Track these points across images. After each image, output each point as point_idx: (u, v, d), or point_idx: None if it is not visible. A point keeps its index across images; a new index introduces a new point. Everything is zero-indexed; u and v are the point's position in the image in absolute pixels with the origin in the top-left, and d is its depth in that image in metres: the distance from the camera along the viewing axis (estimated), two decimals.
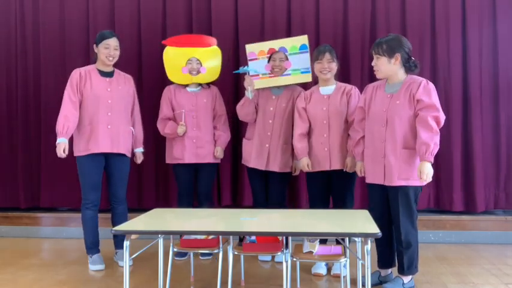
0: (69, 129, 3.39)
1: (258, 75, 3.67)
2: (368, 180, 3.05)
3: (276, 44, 3.65)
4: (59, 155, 3.41)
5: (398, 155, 2.86)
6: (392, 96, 2.92)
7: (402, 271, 2.95)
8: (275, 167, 3.56)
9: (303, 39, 3.61)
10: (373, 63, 2.98)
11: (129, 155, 3.65)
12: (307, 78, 3.63)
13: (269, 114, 3.60)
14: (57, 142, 3.39)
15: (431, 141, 2.75)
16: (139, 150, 3.76)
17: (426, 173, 2.76)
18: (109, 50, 3.48)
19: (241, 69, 3.57)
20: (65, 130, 3.38)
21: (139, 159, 3.78)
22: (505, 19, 4.34)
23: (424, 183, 2.84)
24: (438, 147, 2.80)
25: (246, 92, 3.57)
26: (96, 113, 3.46)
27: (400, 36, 2.96)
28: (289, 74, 3.63)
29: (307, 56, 3.60)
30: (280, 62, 3.61)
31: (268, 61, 3.65)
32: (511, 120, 4.36)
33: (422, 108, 2.81)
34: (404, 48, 2.89)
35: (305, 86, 3.76)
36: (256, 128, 3.65)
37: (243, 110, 3.67)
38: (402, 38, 2.93)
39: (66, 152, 3.41)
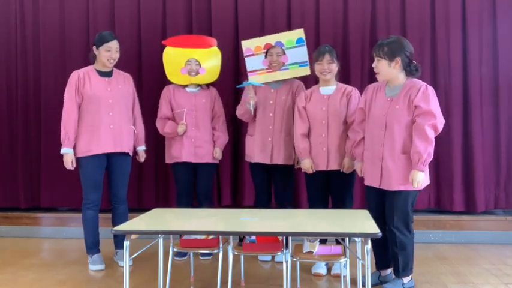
0: (70, 138, 3.41)
1: (255, 71, 3.67)
2: (366, 182, 3.04)
3: (272, 39, 3.64)
4: (67, 167, 3.43)
5: (396, 160, 2.85)
6: (392, 100, 2.90)
7: (397, 273, 2.94)
8: (279, 159, 3.57)
9: (299, 33, 3.61)
10: (373, 65, 2.96)
11: (131, 154, 3.65)
12: (306, 71, 3.64)
13: (269, 108, 3.60)
14: (61, 152, 3.42)
15: (425, 151, 2.75)
16: (142, 148, 3.77)
17: (418, 180, 2.77)
18: (110, 52, 3.48)
19: (245, 84, 3.57)
20: (67, 139, 3.40)
21: (142, 157, 3.79)
22: (505, 19, 4.34)
23: (421, 187, 2.85)
24: (432, 157, 2.79)
25: (247, 104, 3.57)
26: (97, 114, 3.46)
27: (402, 39, 2.92)
28: (287, 69, 3.64)
29: (304, 49, 3.61)
30: (278, 56, 3.62)
31: (265, 56, 3.65)
32: (511, 121, 4.36)
33: (419, 115, 2.79)
34: (405, 51, 2.85)
35: (304, 81, 3.77)
36: (257, 123, 3.65)
37: (243, 117, 3.74)
38: (404, 41, 2.90)
39: (74, 165, 3.43)
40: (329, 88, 3.38)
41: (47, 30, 4.73)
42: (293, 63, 3.62)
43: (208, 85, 3.86)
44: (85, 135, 3.46)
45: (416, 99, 2.80)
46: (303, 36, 3.60)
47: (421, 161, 2.75)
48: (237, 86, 3.79)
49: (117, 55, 3.53)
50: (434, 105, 2.81)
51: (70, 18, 4.71)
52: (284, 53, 3.62)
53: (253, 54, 3.68)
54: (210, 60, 3.80)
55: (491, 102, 4.36)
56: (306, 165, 3.34)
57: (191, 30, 4.58)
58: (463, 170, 4.36)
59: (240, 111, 3.72)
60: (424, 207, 4.39)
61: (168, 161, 3.82)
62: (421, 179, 2.78)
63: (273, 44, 3.63)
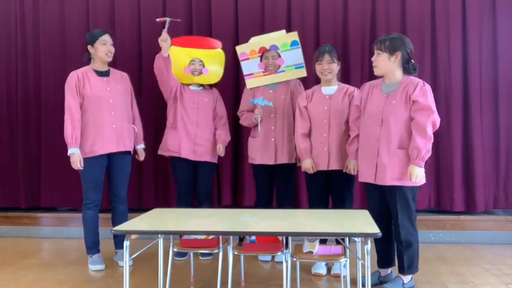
0: (77, 138, 3.40)
1: (252, 74, 3.68)
2: (360, 179, 3.06)
3: (266, 42, 3.64)
4: (75, 167, 3.41)
5: (392, 155, 2.86)
6: (389, 96, 2.92)
7: (402, 270, 2.95)
8: (283, 159, 3.57)
9: (293, 36, 3.62)
10: (373, 59, 2.98)
11: (132, 152, 3.66)
12: (302, 73, 3.65)
13: (269, 109, 3.60)
14: (69, 153, 3.40)
15: (424, 147, 2.78)
16: (141, 146, 3.77)
17: (415, 175, 2.80)
18: (107, 45, 3.49)
19: (255, 101, 3.56)
20: (74, 140, 3.39)
21: (141, 156, 3.78)
22: (505, 19, 4.34)
23: (418, 184, 2.87)
24: (430, 153, 2.82)
25: (254, 119, 3.58)
26: (99, 114, 3.46)
27: (404, 37, 2.97)
28: (284, 71, 3.65)
29: (299, 52, 3.62)
30: (273, 59, 3.63)
31: (261, 60, 3.66)
32: (510, 121, 4.36)
33: (417, 110, 2.81)
34: (406, 48, 2.90)
35: (305, 81, 3.78)
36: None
37: (245, 124, 3.76)
38: (406, 39, 2.95)
39: (82, 164, 3.42)
40: (331, 88, 3.38)
41: (47, 31, 4.74)
42: (289, 66, 3.64)
43: (211, 86, 3.88)
44: (88, 136, 3.45)
45: (414, 94, 2.82)
46: (297, 39, 3.60)
47: (419, 157, 2.77)
48: (249, 102, 3.70)
49: (113, 49, 3.54)
50: (432, 101, 2.84)
51: (70, 18, 4.71)
52: (279, 56, 3.63)
53: (248, 58, 3.69)
54: (214, 61, 3.81)
55: (491, 103, 4.36)
56: (307, 165, 3.34)
57: (191, 30, 4.58)
58: (463, 170, 4.37)
59: (244, 123, 3.76)
60: (424, 207, 4.39)
61: (161, 152, 3.79)
62: (419, 174, 2.80)
63: (268, 48, 3.63)
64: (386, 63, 2.91)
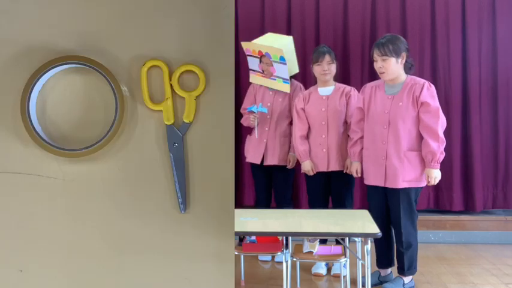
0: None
1: (255, 71, 3.70)
2: (368, 182, 3.03)
3: (263, 47, 3.61)
4: None
5: (402, 157, 2.85)
6: (394, 97, 2.90)
7: (402, 271, 2.95)
8: (274, 160, 3.57)
9: (280, 52, 3.47)
10: (379, 66, 2.87)
11: None
12: (287, 88, 3.55)
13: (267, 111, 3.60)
14: None
15: (438, 150, 2.81)
16: None
17: (434, 177, 2.83)
18: None
19: (253, 108, 3.56)
20: None
21: None
22: (504, 19, 4.33)
23: (424, 184, 2.88)
24: (444, 155, 2.85)
25: (251, 121, 3.57)
26: None
27: (398, 36, 2.95)
28: (275, 79, 3.62)
29: (286, 68, 3.51)
30: (267, 66, 3.61)
31: (260, 61, 3.67)
32: (509, 121, 4.36)
33: (427, 113, 2.81)
34: (406, 46, 2.90)
35: (305, 81, 3.77)
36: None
37: (244, 124, 3.75)
38: (401, 37, 2.94)
39: None
40: (327, 89, 3.37)
41: None
42: (278, 77, 3.59)
43: None
44: None
45: (422, 95, 2.81)
46: (284, 55, 3.47)
47: (435, 160, 2.81)
48: (247, 109, 3.68)
49: None
50: (438, 102, 2.87)
51: None
52: (272, 65, 3.61)
53: (251, 55, 3.70)
54: None
55: (490, 103, 4.35)
56: (307, 167, 3.33)
57: None
58: (463, 169, 4.36)
59: (244, 123, 3.76)
60: (424, 207, 4.38)
61: None
62: (437, 176, 2.84)
63: (263, 54, 3.63)
64: (395, 67, 2.86)
